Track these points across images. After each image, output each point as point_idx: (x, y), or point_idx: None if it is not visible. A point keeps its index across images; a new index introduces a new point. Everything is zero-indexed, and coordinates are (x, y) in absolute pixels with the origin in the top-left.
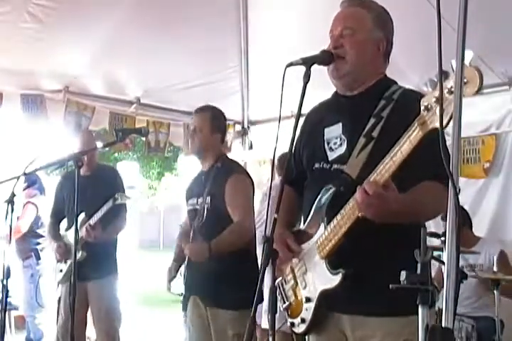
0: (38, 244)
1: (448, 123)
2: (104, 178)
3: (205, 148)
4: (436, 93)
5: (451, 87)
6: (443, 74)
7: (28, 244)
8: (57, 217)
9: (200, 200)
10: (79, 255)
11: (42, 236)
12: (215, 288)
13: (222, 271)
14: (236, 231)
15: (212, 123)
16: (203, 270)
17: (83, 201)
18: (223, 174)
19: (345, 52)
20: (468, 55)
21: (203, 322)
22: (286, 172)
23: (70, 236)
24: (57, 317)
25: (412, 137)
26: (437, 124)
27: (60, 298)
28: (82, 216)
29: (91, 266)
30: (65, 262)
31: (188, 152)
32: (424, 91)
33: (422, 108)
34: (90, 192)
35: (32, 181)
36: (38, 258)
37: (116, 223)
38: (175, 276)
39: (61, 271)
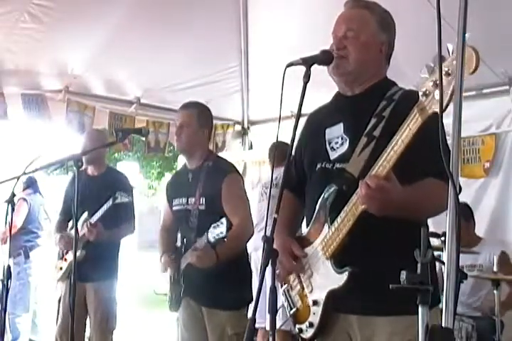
0: (29, 241)
1: (447, 106)
2: (110, 179)
3: (192, 144)
4: (434, 77)
5: (448, 70)
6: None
7: (17, 242)
8: (65, 215)
9: (191, 200)
10: (78, 253)
11: (33, 232)
12: (213, 288)
13: (220, 271)
14: (240, 234)
15: (199, 118)
16: (199, 271)
17: (87, 200)
18: (218, 174)
19: (347, 53)
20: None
21: (198, 323)
22: (287, 178)
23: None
24: (57, 316)
25: (411, 124)
26: (436, 109)
27: (60, 297)
28: (85, 215)
29: (91, 266)
30: (65, 260)
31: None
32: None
33: (421, 94)
34: (95, 192)
35: (30, 183)
36: (27, 256)
37: (122, 226)
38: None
39: (61, 268)
